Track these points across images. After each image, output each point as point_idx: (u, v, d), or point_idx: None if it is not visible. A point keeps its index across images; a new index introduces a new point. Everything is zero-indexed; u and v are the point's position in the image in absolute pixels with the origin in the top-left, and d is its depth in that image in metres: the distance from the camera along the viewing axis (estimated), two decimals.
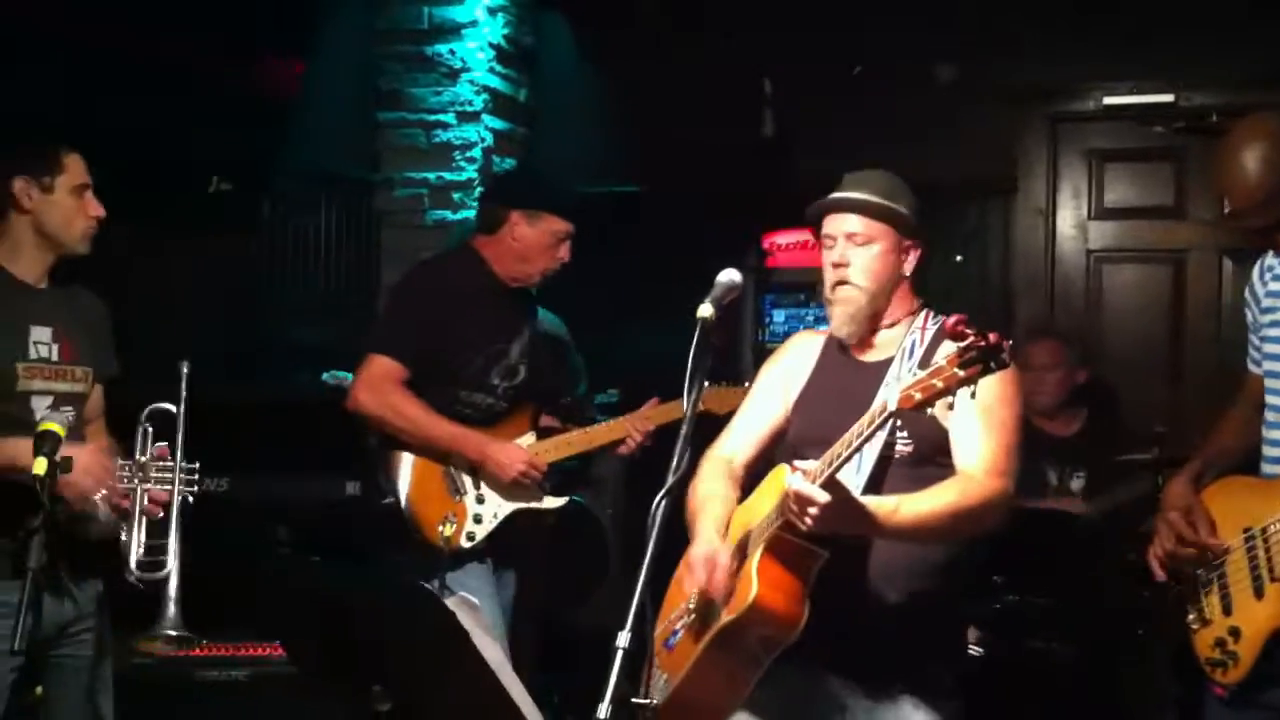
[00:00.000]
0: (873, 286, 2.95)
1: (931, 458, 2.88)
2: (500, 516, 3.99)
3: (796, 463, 2.59)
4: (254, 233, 5.54)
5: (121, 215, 3.35)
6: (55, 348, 3.26)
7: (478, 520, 3.96)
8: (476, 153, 5.88)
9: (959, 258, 5.85)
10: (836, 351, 3.08)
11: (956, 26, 5.72)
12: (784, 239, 5.99)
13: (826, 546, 2.80)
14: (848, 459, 2.58)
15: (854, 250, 2.94)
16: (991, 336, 2.37)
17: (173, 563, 3.11)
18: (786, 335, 5.24)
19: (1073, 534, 4.52)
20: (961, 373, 2.38)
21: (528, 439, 4.05)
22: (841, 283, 2.96)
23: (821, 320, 5.61)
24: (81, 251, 3.29)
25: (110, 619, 3.40)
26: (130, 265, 3.54)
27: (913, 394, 2.44)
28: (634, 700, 2.08)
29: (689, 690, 2.92)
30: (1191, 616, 3.08)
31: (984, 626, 4.32)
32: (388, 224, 5.86)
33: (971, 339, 2.37)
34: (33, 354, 3.19)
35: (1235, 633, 2.93)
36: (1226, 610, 2.98)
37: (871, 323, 2.99)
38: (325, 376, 5.17)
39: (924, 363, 2.85)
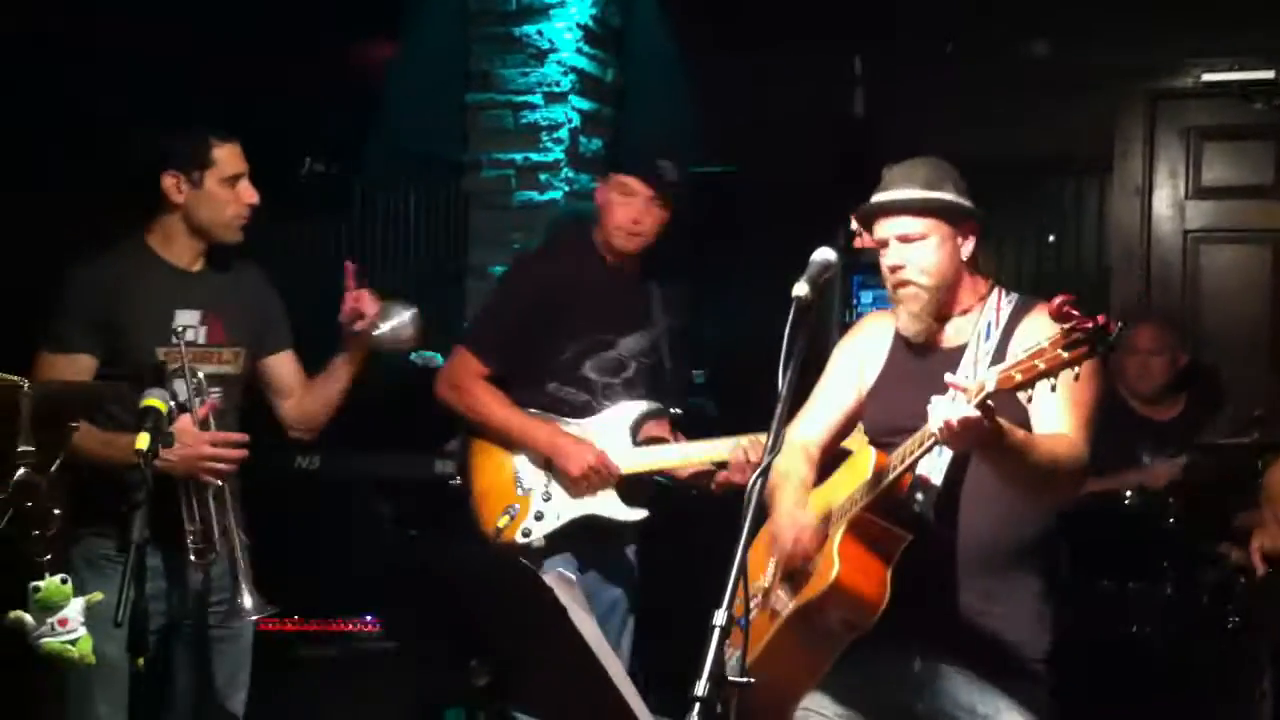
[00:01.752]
0: (934, 282, 2.93)
1: None
2: (564, 518, 3.83)
3: (946, 379, 2.53)
4: (344, 214, 5.58)
5: None
6: (203, 330, 3.33)
7: (539, 518, 3.82)
8: (563, 133, 5.88)
9: (1052, 238, 5.77)
10: (909, 340, 3.04)
11: (1052, 2, 5.63)
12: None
13: (910, 529, 2.80)
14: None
15: (908, 249, 2.92)
16: (1099, 319, 2.34)
17: (236, 540, 3.15)
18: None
19: (1168, 519, 4.44)
20: (1066, 354, 2.36)
21: (620, 441, 3.88)
22: (902, 284, 2.94)
23: None
24: (234, 240, 3.37)
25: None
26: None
27: (1013, 375, 2.43)
28: (731, 679, 2.07)
29: (763, 668, 2.90)
30: None
31: (1078, 612, 4.26)
32: (475, 205, 5.89)
33: (1077, 320, 2.34)
34: (173, 339, 3.26)
35: None
36: None
37: (939, 316, 2.97)
38: (413, 357, 5.20)
39: (1002, 344, 2.87)
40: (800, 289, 2.61)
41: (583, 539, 3.85)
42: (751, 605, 3.00)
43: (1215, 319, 5.57)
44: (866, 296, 5.70)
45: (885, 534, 2.79)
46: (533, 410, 3.89)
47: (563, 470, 3.81)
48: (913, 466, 2.77)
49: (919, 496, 2.82)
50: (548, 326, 3.87)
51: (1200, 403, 4.96)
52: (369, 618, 4.28)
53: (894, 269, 2.93)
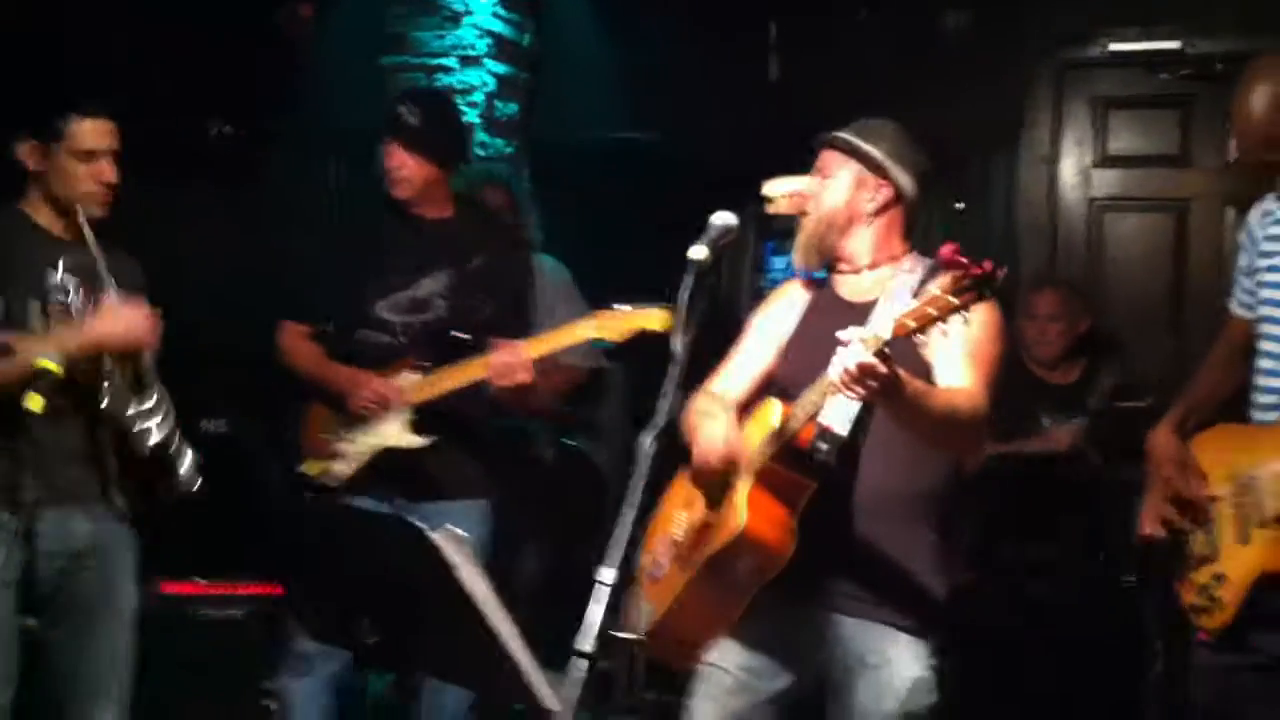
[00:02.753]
0: (825, 213, 3.04)
1: None
2: (363, 456, 3.81)
3: (842, 334, 2.57)
4: (261, 179, 5.53)
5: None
6: (79, 297, 3.30)
7: (339, 457, 3.82)
8: (478, 97, 5.88)
9: (959, 205, 5.83)
10: (825, 296, 3.12)
11: None
12: (783, 186, 5.97)
13: (814, 477, 2.85)
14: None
15: (819, 185, 3.07)
16: (986, 264, 2.40)
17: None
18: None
19: (1068, 481, 4.54)
20: (955, 300, 2.42)
21: (409, 377, 3.80)
22: (803, 213, 3.08)
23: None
24: (96, 214, 3.34)
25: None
26: (134, 210, 3.58)
27: (906, 321, 2.48)
28: (614, 633, 2.10)
29: (675, 620, 2.98)
30: (1177, 563, 3.10)
31: (978, 572, 4.35)
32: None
33: (965, 267, 2.40)
34: (55, 296, 3.25)
35: (1220, 578, 2.95)
36: (1212, 557, 3.00)
37: (825, 251, 3.06)
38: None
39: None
40: (697, 252, 2.62)
41: (397, 479, 3.82)
42: (664, 558, 3.08)
43: (1120, 286, 5.67)
44: (779, 262, 5.75)
45: (791, 482, 2.84)
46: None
47: (351, 408, 3.82)
48: (815, 415, 2.81)
49: (823, 446, 2.86)
50: (345, 275, 3.90)
51: (1101, 368, 5.05)
52: (273, 580, 4.30)
53: (804, 196, 3.09)
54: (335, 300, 3.92)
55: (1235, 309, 3.15)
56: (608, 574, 2.16)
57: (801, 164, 5.84)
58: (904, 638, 2.92)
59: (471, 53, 5.86)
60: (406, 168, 3.84)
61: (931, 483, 2.98)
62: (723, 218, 2.75)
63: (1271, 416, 2.96)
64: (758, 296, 5.96)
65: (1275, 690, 2.86)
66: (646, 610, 3.07)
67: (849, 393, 2.59)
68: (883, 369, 2.52)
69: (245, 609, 4.22)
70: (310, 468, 3.81)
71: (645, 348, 5.50)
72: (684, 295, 2.59)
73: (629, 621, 3.18)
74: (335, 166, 5.90)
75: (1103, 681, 4.34)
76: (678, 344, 2.56)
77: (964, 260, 2.40)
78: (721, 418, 2.95)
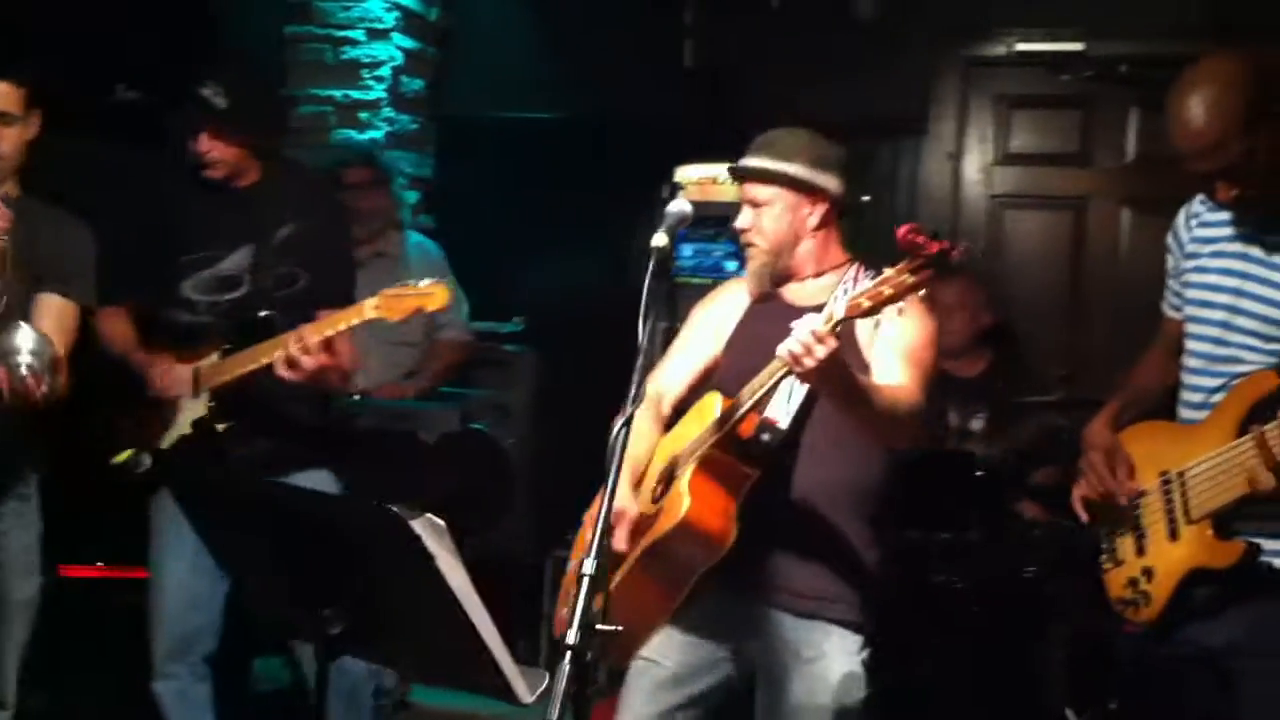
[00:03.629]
0: (772, 245, 3.08)
1: None
2: (169, 440, 3.60)
3: (796, 322, 2.60)
4: (158, 144, 5.35)
5: None
6: None
7: (146, 446, 3.62)
8: (385, 71, 5.78)
9: (865, 198, 5.88)
10: (769, 299, 3.14)
11: None
12: (694, 172, 5.98)
13: (757, 467, 2.88)
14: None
15: (755, 214, 3.09)
16: (943, 243, 2.43)
17: None
18: (695, 269, 5.30)
19: (973, 473, 4.62)
20: (911, 279, 2.46)
21: (210, 360, 3.57)
22: (748, 244, 3.12)
23: (730, 256, 5.68)
24: None
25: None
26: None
27: (861, 301, 2.52)
28: (600, 627, 2.08)
29: (614, 607, 2.95)
30: (1104, 556, 3.16)
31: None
32: (291, 142, 5.71)
33: (922, 244, 2.43)
34: None
35: (1148, 573, 3.01)
36: (1140, 551, 3.06)
37: (780, 276, 3.11)
38: None
39: None
40: (659, 240, 2.62)
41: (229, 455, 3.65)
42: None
43: (1020, 282, 5.79)
44: (688, 249, 5.73)
45: (734, 470, 2.86)
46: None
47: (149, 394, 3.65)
48: (762, 402, 2.85)
49: (765, 437, 2.89)
50: (142, 252, 3.70)
51: (1004, 361, 5.15)
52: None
53: (743, 230, 3.11)
54: (139, 279, 3.69)
55: (1166, 310, 3.22)
56: (589, 565, 2.14)
57: (714, 149, 5.88)
58: (838, 631, 2.96)
59: (379, 26, 5.76)
60: (218, 150, 3.57)
61: (868, 478, 3.04)
62: (679, 205, 2.76)
63: (1199, 415, 3.03)
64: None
65: (1202, 682, 2.93)
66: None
67: (797, 367, 2.60)
68: (832, 340, 2.55)
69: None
70: (120, 456, 3.60)
71: (559, 332, 5.53)
72: (646, 284, 2.58)
73: (560, 617, 3.17)
74: None
75: (1006, 668, 4.44)
76: (641, 332, 2.56)
77: (920, 239, 2.44)
78: (623, 489, 2.88)
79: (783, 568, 2.96)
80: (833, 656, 2.95)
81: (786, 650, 2.96)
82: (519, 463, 5.21)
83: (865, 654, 2.99)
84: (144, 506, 3.65)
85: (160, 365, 3.57)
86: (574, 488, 3.70)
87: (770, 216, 3.06)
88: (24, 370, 3.12)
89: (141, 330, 3.70)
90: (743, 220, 3.10)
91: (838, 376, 2.65)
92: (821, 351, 2.54)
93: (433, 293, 3.25)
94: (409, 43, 5.85)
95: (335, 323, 3.37)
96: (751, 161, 3.09)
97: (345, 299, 3.53)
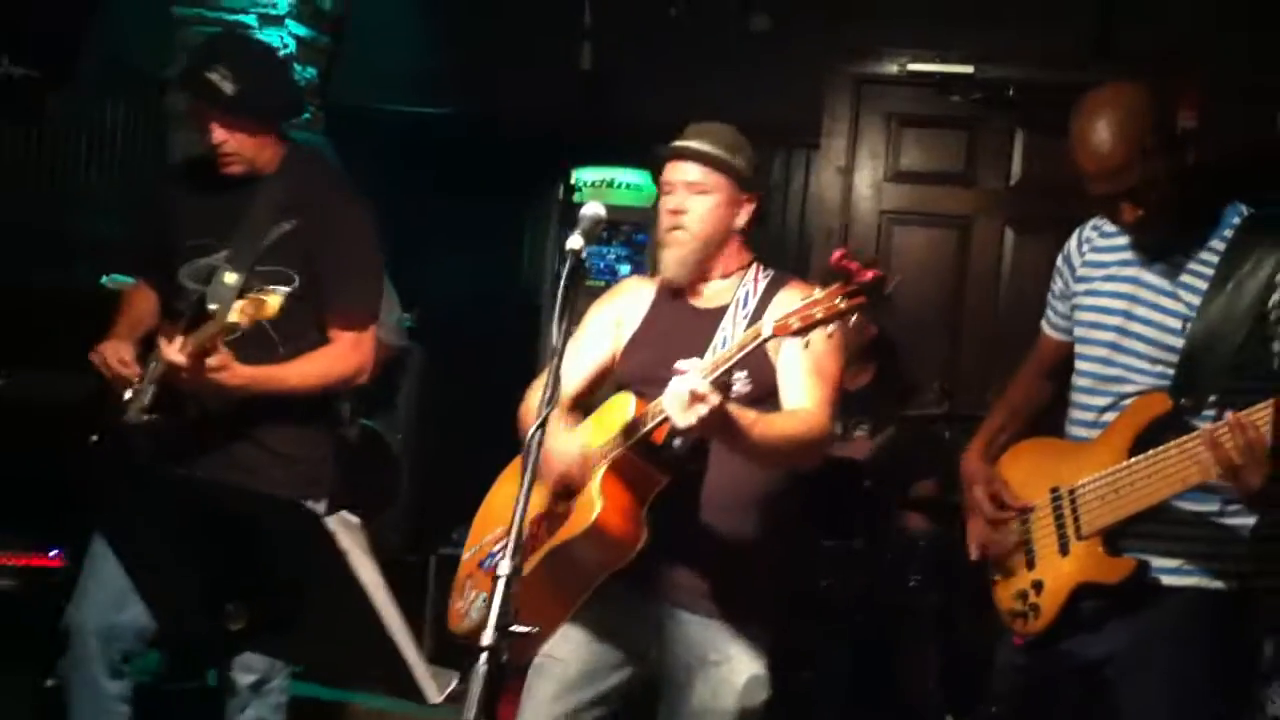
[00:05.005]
0: (705, 234, 3.04)
1: (764, 399, 2.96)
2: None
3: (681, 363, 2.61)
4: (40, 122, 5.22)
5: None
6: None
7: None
8: None
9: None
10: (669, 298, 3.15)
11: None
12: (590, 175, 5.99)
13: (668, 472, 2.88)
14: (728, 370, 2.65)
15: (692, 199, 3.03)
16: (876, 272, 2.45)
17: None
18: (589, 271, 5.30)
19: (860, 482, 4.68)
20: (843, 304, 2.47)
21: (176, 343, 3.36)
22: (676, 228, 3.05)
23: (623, 260, 5.69)
24: None
25: None
26: None
27: (790, 322, 2.52)
28: (514, 628, 2.06)
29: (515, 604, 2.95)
30: (993, 570, 3.21)
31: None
32: (177, 125, 5.59)
33: (855, 272, 2.45)
34: None
35: (1038, 586, 3.07)
36: (1030, 565, 3.11)
37: (701, 269, 3.08)
38: (104, 280, 4.92)
39: (757, 312, 2.98)
40: (575, 242, 2.61)
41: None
42: (496, 549, 3.05)
43: (906, 297, 5.86)
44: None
45: (645, 475, 2.86)
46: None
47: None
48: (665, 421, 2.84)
49: (676, 443, 2.90)
50: (152, 237, 3.63)
51: (888, 374, 5.23)
52: (53, 552, 4.07)
53: (675, 212, 3.03)
54: (145, 260, 3.66)
55: (1046, 329, 3.28)
56: (505, 565, 2.12)
57: (606, 153, 5.88)
58: (744, 635, 2.97)
59: (273, 11, 5.65)
60: (234, 141, 3.39)
61: (776, 484, 3.04)
62: (594, 208, 2.75)
63: (1090, 434, 3.09)
64: (557, 283, 5.98)
65: (1087, 693, 3.01)
66: (478, 600, 3.04)
67: (679, 419, 2.59)
68: (715, 398, 2.56)
69: (16, 581, 3.97)
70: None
71: (447, 329, 5.48)
72: (562, 285, 2.57)
73: (455, 610, 3.14)
74: (120, 110, 5.62)
75: (887, 674, 4.52)
76: (556, 333, 2.55)
77: (853, 266, 2.46)
78: (562, 433, 2.95)
79: (689, 571, 2.96)
80: (739, 660, 2.96)
81: (691, 653, 2.97)
82: (403, 458, 5.16)
83: (769, 658, 3.00)
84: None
85: (110, 343, 3.44)
86: (456, 486, 3.68)
87: (707, 205, 3.02)
88: None
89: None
90: (676, 202, 3.03)
91: (723, 424, 2.65)
92: (703, 410, 2.55)
93: (268, 301, 3.10)
94: (303, 30, 5.76)
95: (207, 331, 3.22)
96: (699, 146, 3.03)
97: (357, 313, 3.45)
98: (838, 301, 2.46)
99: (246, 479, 3.32)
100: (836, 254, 2.48)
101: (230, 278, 3.37)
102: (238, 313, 3.13)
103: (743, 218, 3.07)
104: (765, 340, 2.57)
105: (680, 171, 3.04)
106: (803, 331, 2.51)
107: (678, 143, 3.07)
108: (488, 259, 5.57)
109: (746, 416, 2.73)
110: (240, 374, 3.29)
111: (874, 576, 4.59)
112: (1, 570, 4.05)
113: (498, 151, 5.77)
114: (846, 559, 4.59)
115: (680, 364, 2.61)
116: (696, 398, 2.55)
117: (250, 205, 3.45)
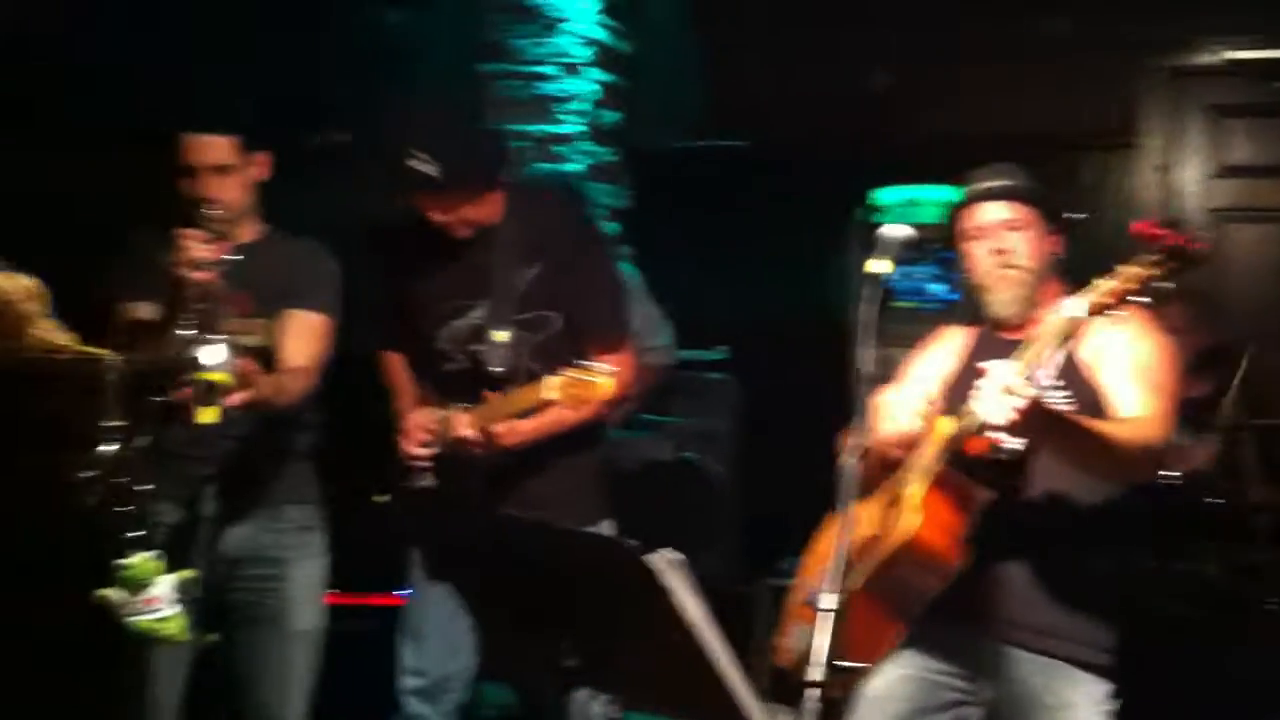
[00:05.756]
0: (1036, 267, 2.97)
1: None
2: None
3: (991, 363, 2.55)
4: (357, 183, 5.47)
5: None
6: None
7: None
8: (579, 105, 5.83)
9: (1078, 216, 5.73)
10: (988, 341, 3.06)
11: None
12: (891, 196, 5.89)
13: (989, 487, 2.78)
14: (1040, 366, 2.56)
15: (1014, 235, 2.96)
16: (1182, 233, 2.35)
17: None
18: (899, 292, 5.19)
19: (1204, 499, 4.42)
20: (1154, 270, 2.36)
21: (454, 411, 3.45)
22: (1006, 266, 2.97)
23: (932, 279, 5.55)
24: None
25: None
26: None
27: (1102, 299, 2.43)
28: (844, 664, 2.02)
29: (844, 637, 2.88)
30: None
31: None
32: None
33: (1163, 237, 2.34)
34: None
35: None
36: None
37: (1033, 304, 2.98)
38: None
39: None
40: (877, 265, 2.58)
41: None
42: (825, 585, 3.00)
43: (1242, 298, 5.55)
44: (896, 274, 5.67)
45: (964, 490, 2.77)
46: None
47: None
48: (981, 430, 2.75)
49: (997, 456, 2.78)
50: (400, 304, 3.61)
51: (1226, 381, 4.93)
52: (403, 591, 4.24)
53: (1001, 252, 2.96)
54: (396, 331, 3.64)
55: None
56: (829, 600, 2.08)
57: (905, 174, 5.79)
58: (1083, 677, 2.84)
59: (573, 60, 5.81)
60: (455, 215, 3.35)
61: (1108, 500, 2.88)
62: (894, 230, 2.71)
63: None
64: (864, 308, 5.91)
65: None
66: (801, 635, 2.99)
67: (994, 417, 2.51)
68: (1029, 389, 2.48)
69: (378, 622, 4.12)
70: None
71: (759, 358, 5.47)
72: (866, 310, 2.53)
73: (784, 647, 3.10)
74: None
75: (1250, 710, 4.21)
76: (863, 360, 2.50)
77: (1160, 231, 2.36)
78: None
79: (1019, 600, 2.85)
80: (1080, 707, 2.82)
81: (1027, 695, 2.84)
82: (725, 490, 5.18)
83: (1110, 704, 2.85)
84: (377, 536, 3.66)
85: (415, 414, 3.52)
86: (780, 515, 3.65)
87: (1031, 238, 2.96)
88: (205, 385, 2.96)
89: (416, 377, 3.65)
90: (1001, 242, 2.96)
91: (1043, 425, 2.55)
92: (1017, 402, 2.47)
93: (601, 384, 3.06)
94: (603, 76, 5.89)
95: (508, 405, 3.27)
96: (1004, 184, 2.99)
97: (612, 335, 3.46)
98: (1146, 269, 2.36)
99: (537, 514, 3.34)
100: (1140, 224, 2.37)
101: (501, 335, 3.40)
102: (557, 390, 3.11)
103: (1058, 248, 3.01)
104: (1080, 323, 2.47)
105: (991, 213, 2.98)
106: (1117, 305, 2.41)
107: (985, 184, 3.01)
108: (793, 286, 5.54)
109: (1069, 415, 2.63)
110: (522, 431, 3.35)
111: (1228, 600, 4.31)
112: (356, 610, 4.22)
113: (795, 179, 5.75)
114: (1197, 582, 4.33)
115: (990, 363, 2.54)
116: (1008, 391, 2.47)
117: (490, 258, 3.44)
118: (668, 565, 2.02)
